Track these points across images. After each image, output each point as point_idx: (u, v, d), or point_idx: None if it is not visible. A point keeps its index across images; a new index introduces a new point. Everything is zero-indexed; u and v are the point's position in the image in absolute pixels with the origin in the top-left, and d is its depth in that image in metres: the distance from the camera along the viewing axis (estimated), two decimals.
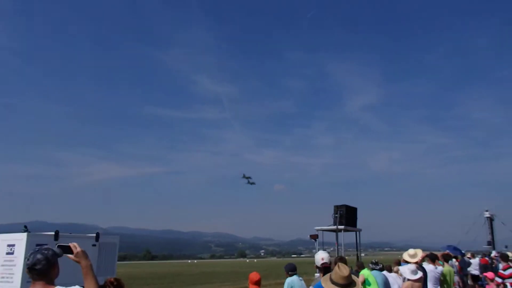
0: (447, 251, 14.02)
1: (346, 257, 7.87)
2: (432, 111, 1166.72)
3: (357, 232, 19.24)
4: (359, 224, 19.19)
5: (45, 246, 3.09)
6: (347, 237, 18.39)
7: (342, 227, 17.24)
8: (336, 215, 17.45)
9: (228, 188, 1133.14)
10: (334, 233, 18.07)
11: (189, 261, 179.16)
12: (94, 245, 10.46)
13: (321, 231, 18.13)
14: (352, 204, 18.74)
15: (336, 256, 9.79)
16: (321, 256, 6.04)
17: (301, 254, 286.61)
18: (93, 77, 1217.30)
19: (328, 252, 6.40)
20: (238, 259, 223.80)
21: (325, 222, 18.38)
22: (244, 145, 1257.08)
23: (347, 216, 17.67)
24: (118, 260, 12.09)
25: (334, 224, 17.45)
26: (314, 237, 17.75)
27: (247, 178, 65.45)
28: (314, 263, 6.30)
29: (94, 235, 10.63)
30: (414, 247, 9.21)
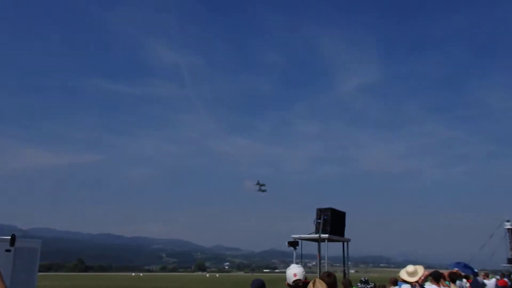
0: (456, 269, 14.34)
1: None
2: (442, 96, 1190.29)
3: (345, 243, 19.45)
4: (347, 233, 19.40)
5: None
6: (333, 249, 18.60)
7: (326, 235, 17.34)
8: (319, 220, 17.50)
9: (185, 184, 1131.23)
10: (316, 243, 18.18)
11: (133, 274, 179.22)
12: (8, 250, 10.29)
13: (300, 240, 18.19)
14: (339, 207, 18.91)
15: (322, 272, 9.77)
16: (293, 272, 5.99)
17: (276, 268, 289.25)
18: (12, 35, 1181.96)
19: (310, 267, 6.37)
20: (196, 273, 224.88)
21: (306, 229, 18.49)
22: (207, 130, 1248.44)
23: (332, 222, 17.77)
24: (41, 271, 11.89)
25: (317, 231, 17.52)
26: (294, 244, 17.69)
27: (261, 185, 65.81)
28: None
29: (9, 237, 10.44)
30: (415, 263, 9.34)
